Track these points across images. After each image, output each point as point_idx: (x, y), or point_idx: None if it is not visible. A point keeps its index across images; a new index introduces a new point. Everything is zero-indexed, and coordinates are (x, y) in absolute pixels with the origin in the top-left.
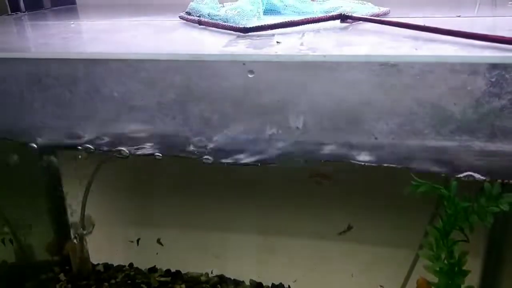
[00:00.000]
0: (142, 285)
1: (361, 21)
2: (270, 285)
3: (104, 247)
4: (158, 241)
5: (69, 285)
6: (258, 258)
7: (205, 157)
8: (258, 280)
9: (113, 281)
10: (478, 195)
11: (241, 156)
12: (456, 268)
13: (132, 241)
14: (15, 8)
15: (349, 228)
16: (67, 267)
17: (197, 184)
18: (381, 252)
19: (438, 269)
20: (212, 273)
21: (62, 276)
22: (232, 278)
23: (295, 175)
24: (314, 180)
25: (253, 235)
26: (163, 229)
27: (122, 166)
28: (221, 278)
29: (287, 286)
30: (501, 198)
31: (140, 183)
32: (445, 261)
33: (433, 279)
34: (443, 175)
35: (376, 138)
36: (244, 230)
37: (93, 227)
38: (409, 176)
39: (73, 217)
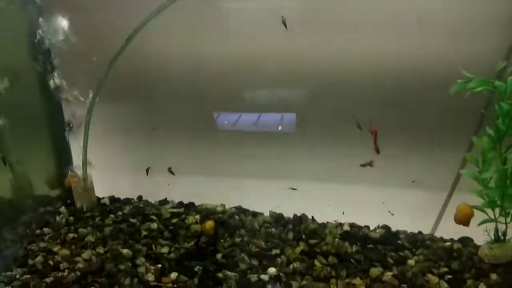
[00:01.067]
0: (152, 216)
1: None
2: (291, 216)
3: (109, 180)
4: (169, 170)
5: (71, 218)
6: (278, 191)
7: None
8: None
9: (119, 213)
10: None
11: None
12: (509, 180)
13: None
14: None
15: (371, 163)
16: (69, 201)
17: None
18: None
19: (484, 182)
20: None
21: (63, 209)
22: (251, 210)
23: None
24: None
25: (273, 169)
26: (174, 161)
27: (128, 92)
28: (239, 209)
29: (311, 217)
30: None
31: (149, 110)
32: (496, 173)
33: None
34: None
35: None
36: (262, 165)
37: None
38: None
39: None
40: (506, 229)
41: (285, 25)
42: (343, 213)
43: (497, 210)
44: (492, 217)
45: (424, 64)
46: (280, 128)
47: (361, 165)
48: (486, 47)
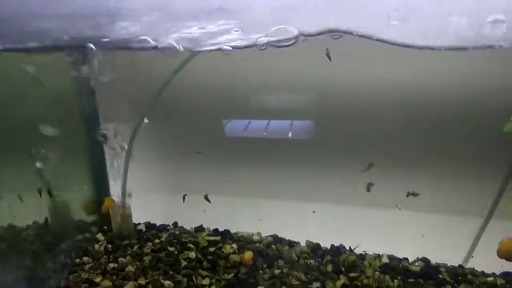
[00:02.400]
0: (189, 244)
1: None
2: (329, 247)
3: (145, 206)
4: (206, 197)
5: (109, 246)
6: (314, 222)
7: None
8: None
9: (157, 241)
10: None
11: None
12: None
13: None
14: None
15: (414, 193)
16: (105, 227)
17: (247, 146)
18: (449, 215)
19: None
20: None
21: (100, 236)
22: (287, 239)
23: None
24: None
25: (308, 199)
26: (208, 189)
27: (166, 123)
28: (275, 238)
29: (348, 248)
30: None
31: (186, 140)
32: None
33: None
34: None
35: None
36: (297, 194)
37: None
38: None
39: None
40: None
41: (329, 57)
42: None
43: None
44: None
45: (463, 93)
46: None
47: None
48: None
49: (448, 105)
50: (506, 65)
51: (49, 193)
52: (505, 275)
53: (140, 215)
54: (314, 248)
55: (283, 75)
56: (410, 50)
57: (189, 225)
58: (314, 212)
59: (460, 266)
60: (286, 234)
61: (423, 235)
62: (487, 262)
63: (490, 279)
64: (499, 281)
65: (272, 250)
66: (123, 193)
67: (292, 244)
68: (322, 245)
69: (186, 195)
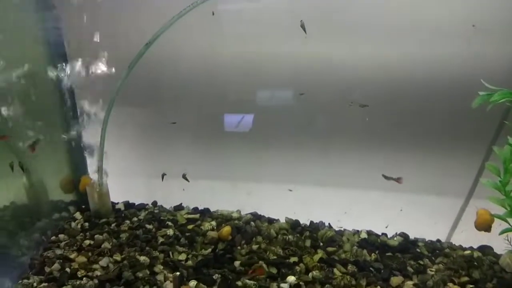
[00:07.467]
0: (168, 222)
1: None
2: (308, 223)
3: (123, 185)
4: (184, 177)
5: (86, 224)
6: (294, 200)
7: None
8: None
9: (135, 219)
10: None
11: None
12: None
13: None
14: None
15: (398, 180)
16: (83, 206)
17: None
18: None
19: (506, 192)
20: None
21: (78, 215)
22: (266, 216)
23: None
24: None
25: (288, 180)
26: (188, 166)
27: (141, 100)
28: (254, 215)
29: (328, 224)
30: None
31: (163, 118)
32: None
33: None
34: None
35: None
36: (277, 175)
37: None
38: None
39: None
40: None
41: (304, 30)
42: (387, 226)
43: None
44: None
45: (438, 72)
46: None
47: (385, 177)
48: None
49: (425, 86)
50: None
51: (22, 167)
52: (482, 248)
53: (119, 195)
54: (293, 225)
55: None
56: None
57: (169, 204)
58: (290, 190)
59: (438, 240)
60: (266, 212)
61: (400, 211)
62: (470, 238)
63: (467, 252)
64: (476, 254)
65: (251, 227)
66: (99, 171)
67: (271, 221)
68: (301, 222)
69: (165, 174)
